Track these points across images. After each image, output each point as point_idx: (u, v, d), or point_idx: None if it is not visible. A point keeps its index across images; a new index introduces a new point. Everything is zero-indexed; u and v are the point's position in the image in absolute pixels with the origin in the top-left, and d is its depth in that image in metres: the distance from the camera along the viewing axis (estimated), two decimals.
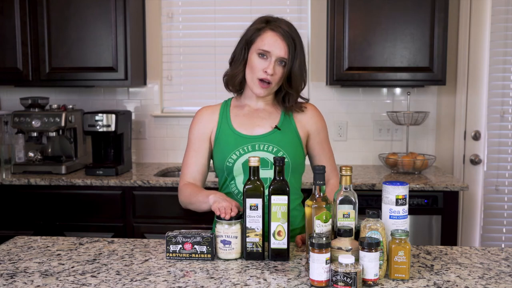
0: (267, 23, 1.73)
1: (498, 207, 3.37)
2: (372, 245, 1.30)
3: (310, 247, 1.31)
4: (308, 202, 1.47)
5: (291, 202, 1.73)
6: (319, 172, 1.46)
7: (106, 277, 1.39)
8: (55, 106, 3.09)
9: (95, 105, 3.47)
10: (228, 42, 3.34)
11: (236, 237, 1.51)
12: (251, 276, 1.39)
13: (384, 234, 1.37)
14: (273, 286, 1.32)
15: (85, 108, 3.40)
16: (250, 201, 1.50)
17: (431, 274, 1.42)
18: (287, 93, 1.77)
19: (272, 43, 1.69)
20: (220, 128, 1.80)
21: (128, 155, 3.23)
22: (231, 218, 1.51)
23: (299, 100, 1.83)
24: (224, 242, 1.51)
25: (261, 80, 1.71)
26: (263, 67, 1.70)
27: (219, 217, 1.53)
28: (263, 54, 1.70)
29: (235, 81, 1.79)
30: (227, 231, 1.51)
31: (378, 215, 1.38)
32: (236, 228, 1.51)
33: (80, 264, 1.50)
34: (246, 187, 1.51)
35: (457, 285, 1.34)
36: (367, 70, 3.04)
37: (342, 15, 3.01)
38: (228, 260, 1.52)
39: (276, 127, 1.77)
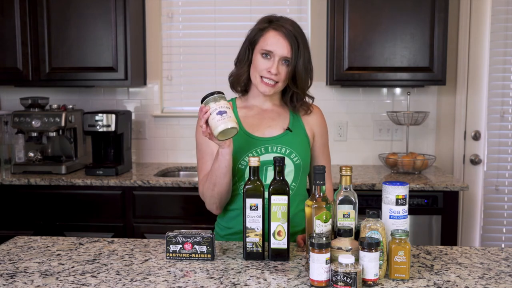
0: (270, 22, 1.72)
1: (498, 207, 3.37)
2: (372, 245, 1.30)
3: (310, 247, 1.31)
4: (308, 202, 1.47)
5: (299, 203, 1.73)
6: (319, 172, 1.46)
7: (106, 277, 1.39)
8: (55, 106, 3.09)
9: (95, 105, 3.47)
10: (228, 42, 3.39)
11: (229, 108, 1.54)
12: (251, 276, 1.39)
13: (384, 234, 1.37)
14: (273, 286, 1.32)
15: (85, 108, 3.40)
16: (250, 201, 1.50)
17: (431, 274, 1.42)
18: (294, 92, 1.76)
19: (274, 43, 1.69)
20: None
21: (128, 155, 3.23)
22: (212, 94, 1.54)
23: (307, 99, 1.82)
24: (221, 113, 1.52)
25: (266, 79, 1.71)
26: (267, 67, 1.69)
27: (204, 99, 1.55)
28: (267, 54, 1.70)
29: (240, 81, 1.79)
30: (219, 104, 1.53)
31: (378, 215, 1.38)
32: (223, 102, 1.54)
33: (80, 264, 1.50)
34: (246, 187, 1.51)
35: (457, 285, 1.34)
36: (367, 70, 3.04)
37: (342, 15, 3.01)
38: (228, 130, 1.51)
39: (288, 128, 1.77)
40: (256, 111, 1.81)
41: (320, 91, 3.37)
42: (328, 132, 1.89)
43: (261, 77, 1.71)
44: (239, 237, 1.76)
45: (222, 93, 1.57)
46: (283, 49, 1.68)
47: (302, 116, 1.81)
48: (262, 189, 1.50)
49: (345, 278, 1.27)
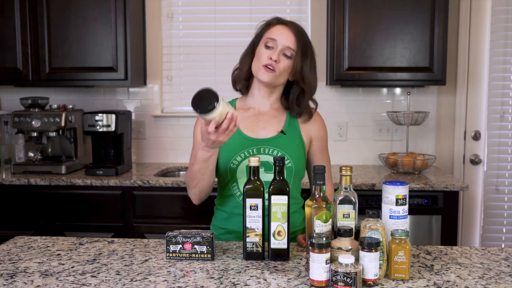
0: (278, 20, 1.77)
1: (498, 207, 3.37)
2: (372, 245, 1.30)
3: (310, 247, 1.31)
4: (308, 202, 1.47)
5: (291, 206, 1.72)
6: (319, 172, 1.46)
7: (106, 277, 1.39)
8: (55, 106, 3.09)
9: (95, 105, 3.47)
10: (228, 42, 3.39)
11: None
12: (251, 276, 1.39)
13: (384, 234, 1.37)
14: (273, 286, 1.32)
15: (85, 108, 3.40)
16: (250, 201, 1.50)
17: (431, 274, 1.42)
18: (301, 93, 1.78)
19: (279, 32, 1.73)
20: None
21: (128, 155, 3.23)
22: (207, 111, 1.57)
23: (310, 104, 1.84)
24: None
25: (266, 66, 1.72)
26: (268, 55, 1.71)
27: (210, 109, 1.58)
28: (270, 44, 1.72)
29: (241, 73, 1.81)
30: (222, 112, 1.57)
31: (378, 215, 1.38)
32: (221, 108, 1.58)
33: (80, 264, 1.50)
34: (246, 187, 1.51)
35: (457, 285, 1.34)
36: (367, 70, 3.04)
37: (342, 15, 3.01)
38: None
39: (281, 131, 1.77)
40: (252, 113, 1.82)
41: (320, 91, 3.32)
42: (327, 136, 1.90)
43: (262, 65, 1.72)
44: (232, 236, 1.77)
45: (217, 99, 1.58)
46: (287, 39, 1.71)
47: (299, 120, 1.82)
48: (262, 189, 1.50)
49: (345, 278, 1.27)
